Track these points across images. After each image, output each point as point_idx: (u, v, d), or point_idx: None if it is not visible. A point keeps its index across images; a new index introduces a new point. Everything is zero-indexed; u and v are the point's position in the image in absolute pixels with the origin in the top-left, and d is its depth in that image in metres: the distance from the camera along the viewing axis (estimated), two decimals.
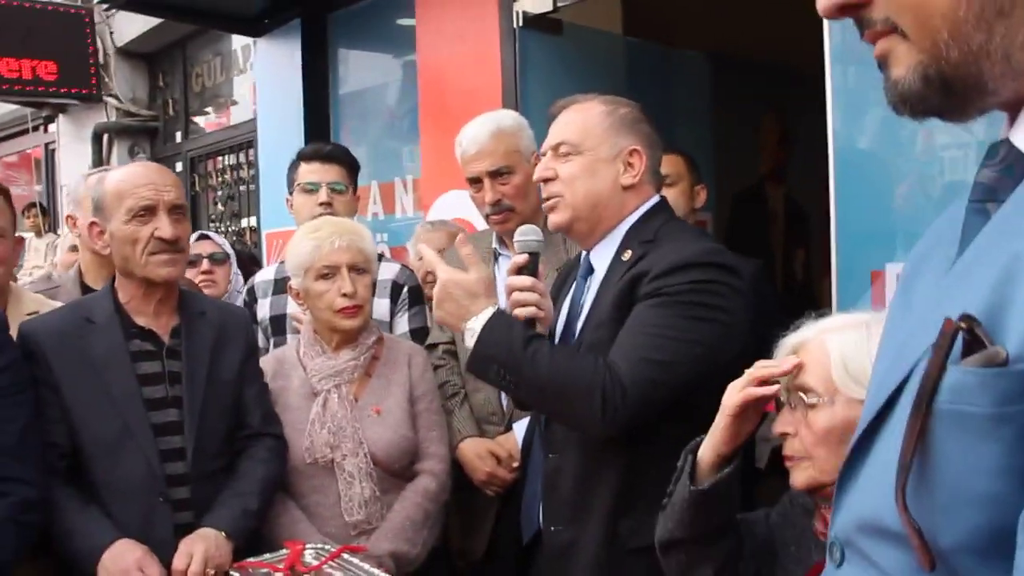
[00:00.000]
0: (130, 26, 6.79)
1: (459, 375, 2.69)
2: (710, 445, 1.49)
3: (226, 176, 6.56)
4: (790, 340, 1.52)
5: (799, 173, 4.94)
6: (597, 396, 1.71)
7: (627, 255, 1.90)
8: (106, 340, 2.15)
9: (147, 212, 2.14)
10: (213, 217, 6.75)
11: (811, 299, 4.01)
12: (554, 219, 1.96)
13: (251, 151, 6.04)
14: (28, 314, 2.34)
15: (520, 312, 1.87)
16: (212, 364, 2.22)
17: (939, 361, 0.67)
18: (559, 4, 3.45)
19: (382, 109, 4.69)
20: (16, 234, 2.39)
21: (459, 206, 3.67)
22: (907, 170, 2.40)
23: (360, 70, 4.84)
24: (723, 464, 1.49)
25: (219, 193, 6.65)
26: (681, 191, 3.07)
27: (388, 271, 2.93)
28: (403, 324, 2.87)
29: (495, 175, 2.56)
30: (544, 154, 2.01)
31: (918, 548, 0.68)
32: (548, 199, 1.97)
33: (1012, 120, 0.76)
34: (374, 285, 2.82)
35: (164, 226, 2.14)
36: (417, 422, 2.39)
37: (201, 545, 2.00)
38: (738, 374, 1.47)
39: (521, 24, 3.59)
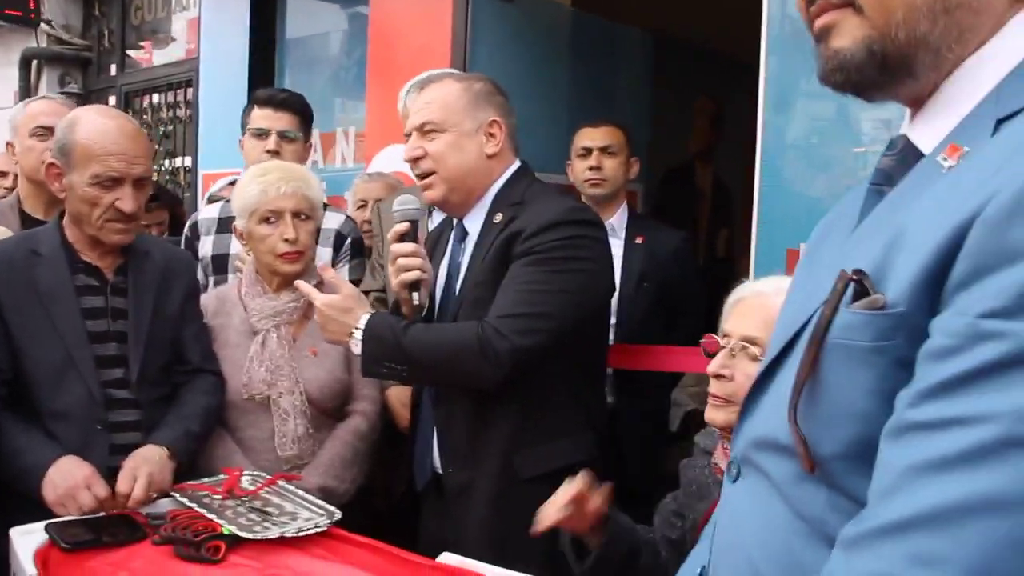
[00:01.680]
0: None
1: None
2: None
3: (162, 113, 6.46)
4: (746, 289, 1.67)
5: (727, 156, 5.13)
6: (478, 351, 1.92)
7: (498, 217, 2.09)
8: (52, 273, 2.18)
9: (113, 182, 2.14)
10: None
11: (731, 273, 4.21)
12: (430, 195, 2.14)
13: (189, 90, 5.96)
14: None
15: (406, 276, 2.06)
16: (156, 301, 2.28)
17: (833, 303, 0.82)
18: None
19: (328, 58, 4.71)
20: None
21: (399, 160, 3.73)
22: (828, 159, 2.57)
23: (309, 16, 4.83)
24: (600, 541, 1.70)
25: (154, 130, 6.55)
26: (620, 162, 3.21)
27: (333, 220, 3.00)
28: (344, 274, 2.95)
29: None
30: (409, 135, 2.15)
31: (802, 455, 0.83)
32: (421, 176, 2.13)
33: (913, 116, 0.91)
34: (318, 232, 2.90)
35: (126, 199, 2.15)
36: (351, 365, 2.48)
37: (145, 468, 2.07)
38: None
39: None
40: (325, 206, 3.10)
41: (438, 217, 2.57)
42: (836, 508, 0.81)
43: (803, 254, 1.08)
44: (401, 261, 2.07)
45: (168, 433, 2.20)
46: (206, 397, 2.33)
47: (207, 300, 2.57)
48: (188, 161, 6.01)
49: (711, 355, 1.60)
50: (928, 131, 0.86)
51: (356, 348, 2.01)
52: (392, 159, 3.80)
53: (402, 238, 2.08)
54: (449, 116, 2.10)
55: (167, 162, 6.40)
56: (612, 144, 3.20)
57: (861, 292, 0.79)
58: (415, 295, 2.09)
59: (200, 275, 2.99)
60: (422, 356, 1.97)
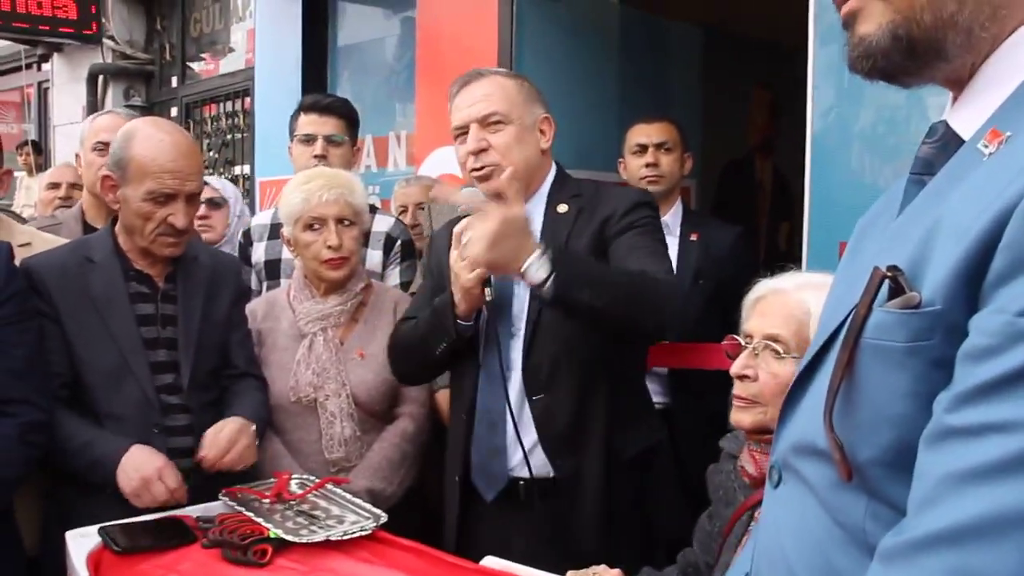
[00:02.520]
0: None
1: None
2: None
3: (221, 123, 6.60)
4: (765, 286, 1.62)
5: (787, 147, 5.04)
6: (666, 297, 1.92)
7: (563, 208, 2.13)
8: (106, 279, 2.23)
9: (166, 199, 2.17)
10: (207, 163, 6.79)
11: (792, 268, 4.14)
12: (491, 186, 2.04)
13: (247, 99, 6.07)
14: (20, 245, 2.41)
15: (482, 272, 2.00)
16: (205, 307, 2.31)
17: (867, 303, 0.78)
18: None
19: (379, 63, 4.74)
20: (5, 167, 2.44)
21: (449, 162, 3.75)
22: (880, 148, 2.50)
23: (359, 23, 4.88)
24: None
25: (213, 139, 6.69)
26: (675, 158, 3.17)
27: (383, 224, 3.02)
28: (394, 276, 2.97)
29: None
30: (463, 128, 2.11)
31: (839, 461, 0.79)
32: (483, 168, 2.08)
33: (954, 101, 0.86)
34: (367, 236, 2.92)
35: (179, 215, 2.18)
36: None
37: (231, 425, 2.18)
38: None
39: None
40: (375, 209, 3.13)
41: None
42: (876, 517, 0.77)
43: (847, 248, 1.04)
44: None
45: (243, 408, 2.27)
46: (260, 393, 2.38)
47: (257, 304, 2.61)
48: (248, 169, 6.13)
49: (733, 357, 1.56)
50: (968, 116, 0.81)
51: (539, 271, 1.76)
52: (440, 162, 3.81)
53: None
54: (512, 109, 2.09)
55: (225, 170, 6.54)
56: (668, 140, 3.16)
57: (896, 290, 0.75)
58: (487, 290, 2.03)
59: (254, 280, 3.05)
60: (617, 284, 1.87)
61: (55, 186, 3.97)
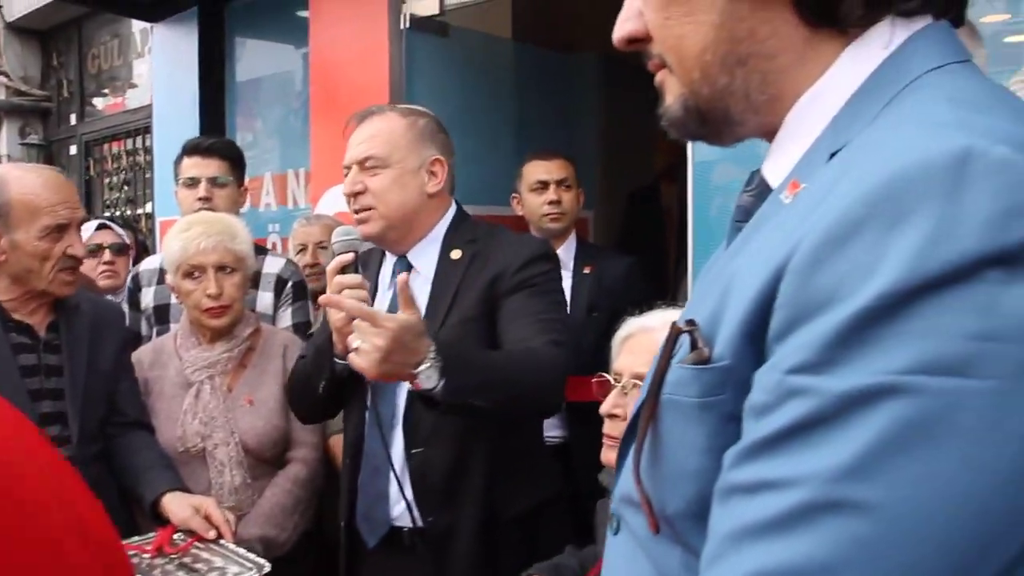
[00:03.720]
0: (21, 1, 6.62)
1: None
2: None
3: (122, 161, 6.47)
4: (634, 324, 1.66)
5: None
6: (552, 379, 1.91)
7: (456, 254, 2.07)
8: None
9: (62, 230, 2.15)
10: (108, 203, 6.64)
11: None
12: (367, 230, 2.05)
13: (148, 136, 5.97)
14: None
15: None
16: (90, 356, 2.27)
17: (666, 357, 0.80)
18: (446, 8, 3.55)
19: (277, 100, 4.71)
20: None
21: (342, 201, 3.73)
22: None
23: (256, 60, 4.85)
24: None
25: (115, 179, 6.55)
26: (574, 195, 3.24)
27: (273, 265, 2.99)
28: (286, 318, 2.94)
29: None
30: (349, 167, 2.09)
31: (647, 514, 0.81)
32: (359, 211, 2.06)
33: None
34: (257, 278, 2.90)
35: (76, 244, 2.17)
36: (289, 412, 2.46)
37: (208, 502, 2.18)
38: None
39: (408, 26, 3.68)
40: (265, 251, 3.11)
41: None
42: (688, 567, 0.79)
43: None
44: (348, 293, 1.90)
45: (166, 476, 2.24)
46: (158, 448, 2.34)
47: (144, 352, 2.56)
48: (150, 207, 6.01)
49: (603, 396, 1.59)
50: (776, 166, 0.84)
51: (429, 379, 1.72)
52: (336, 199, 3.79)
53: (344, 269, 1.94)
54: (393, 152, 2.04)
55: (127, 209, 6.40)
56: (567, 177, 3.22)
57: (694, 344, 0.76)
58: None
59: (144, 326, 2.99)
60: (512, 367, 1.86)
61: None
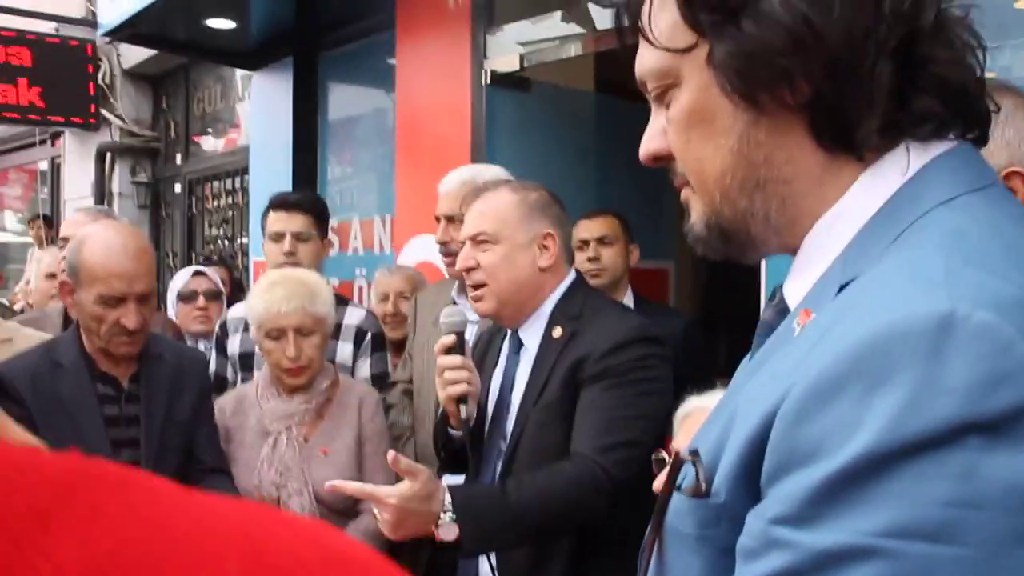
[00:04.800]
0: (137, 50, 7.00)
1: (410, 415, 2.86)
2: None
3: (221, 200, 6.75)
4: (692, 403, 1.66)
5: None
6: (593, 491, 1.83)
7: (557, 332, 2.02)
8: (73, 383, 2.28)
9: (116, 301, 2.22)
10: (208, 239, 6.93)
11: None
12: (481, 307, 2.07)
13: (246, 176, 6.22)
14: (1, 341, 2.50)
15: (453, 390, 1.98)
16: (168, 407, 2.36)
17: (668, 486, 0.82)
18: (526, 64, 3.62)
19: (366, 146, 4.86)
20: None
21: (427, 250, 3.82)
22: None
23: (347, 107, 5.02)
24: None
25: (215, 216, 6.84)
26: (618, 251, 3.25)
27: (354, 316, 3.07)
28: (365, 369, 3.01)
29: (450, 219, 2.66)
30: (463, 243, 2.11)
31: None
32: (473, 287, 2.08)
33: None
34: (338, 328, 2.98)
35: (129, 316, 2.22)
36: (364, 463, 2.53)
37: None
38: None
39: (489, 82, 3.77)
40: (347, 301, 3.20)
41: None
42: None
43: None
44: (448, 374, 1.97)
45: None
46: (235, 493, 2.41)
47: (227, 400, 2.66)
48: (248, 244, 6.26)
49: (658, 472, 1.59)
50: (795, 287, 0.84)
51: (449, 532, 1.76)
52: (419, 249, 3.88)
53: (448, 351, 2.00)
54: (502, 228, 2.05)
55: (227, 243, 6.67)
56: (608, 234, 3.24)
57: (697, 474, 0.77)
58: (463, 408, 2.00)
59: (229, 371, 3.11)
60: (536, 515, 1.83)
61: (53, 276, 4.07)
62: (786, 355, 0.74)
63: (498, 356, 2.20)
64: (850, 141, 0.78)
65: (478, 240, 2.07)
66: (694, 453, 0.79)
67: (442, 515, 1.74)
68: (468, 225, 2.10)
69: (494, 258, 2.04)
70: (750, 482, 0.70)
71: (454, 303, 2.81)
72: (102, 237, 2.30)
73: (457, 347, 1.99)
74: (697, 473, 0.77)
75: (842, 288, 0.74)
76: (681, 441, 1.58)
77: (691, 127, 0.84)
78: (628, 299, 3.25)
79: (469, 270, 2.07)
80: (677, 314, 3.36)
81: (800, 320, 0.78)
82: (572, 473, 1.85)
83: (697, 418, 1.58)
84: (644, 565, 0.84)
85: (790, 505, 0.63)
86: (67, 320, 3.11)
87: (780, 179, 0.81)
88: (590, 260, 3.21)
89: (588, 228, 3.26)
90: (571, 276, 2.14)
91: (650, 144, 0.90)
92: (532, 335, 2.09)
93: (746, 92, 0.77)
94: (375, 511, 1.79)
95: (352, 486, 1.87)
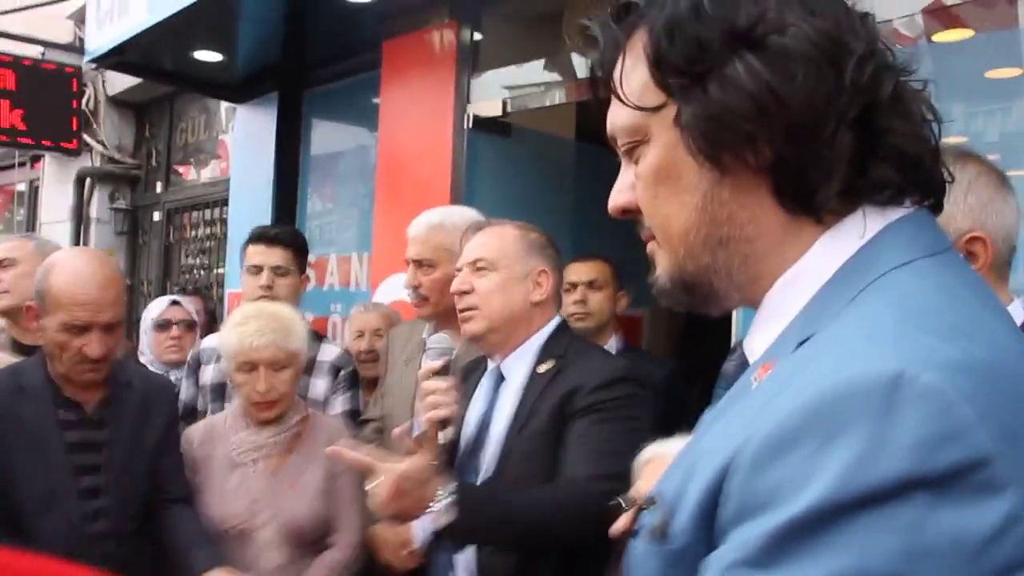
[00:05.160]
0: (122, 77, 7.01)
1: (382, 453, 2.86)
2: None
3: (200, 230, 6.74)
4: (652, 449, 1.69)
5: None
6: (581, 514, 1.85)
7: (542, 368, 2.09)
8: (36, 408, 2.29)
9: (79, 330, 2.22)
10: (184, 268, 6.91)
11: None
12: (469, 328, 2.13)
13: (226, 208, 6.22)
14: None
15: (436, 414, 2.00)
16: (134, 434, 2.36)
17: (627, 530, 0.85)
18: (509, 109, 3.69)
19: (347, 183, 4.89)
20: None
21: (399, 289, 3.81)
22: None
23: (330, 144, 5.06)
24: None
25: (192, 246, 6.83)
26: (607, 296, 3.28)
27: (329, 353, 3.08)
28: (338, 405, 3.01)
29: (418, 263, 2.69)
30: (460, 269, 2.18)
31: None
32: (464, 310, 2.14)
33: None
34: (312, 364, 2.99)
35: (93, 345, 2.23)
36: (333, 496, 2.52)
37: None
38: None
39: (471, 126, 3.82)
40: (321, 337, 3.21)
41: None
42: None
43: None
44: (432, 398, 2.01)
45: (210, 552, 2.32)
46: (198, 523, 2.42)
47: (195, 431, 2.65)
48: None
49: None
50: (755, 343, 0.87)
51: (441, 519, 1.81)
52: (393, 288, 3.90)
53: (435, 374, 2.05)
54: (502, 258, 2.13)
55: (203, 273, 6.65)
56: (598, 278, 3.28)
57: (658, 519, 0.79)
58: (441, 433, 2.03)
59: (200, 402, 3.10)
60: (528, 521, 1.88)
61: None
62: (743, 408, 0.77)
63: (473, 391, 2.23)
64: (810, 203, 0.80)
65: (477, 267, 2.14)
66: (651, 500, 0.81)
67: (439, 499, 1.79)
68: (468, 252, 2.17)
69: (490, 284, 2.12)
70: (708, 528, 0.73)
71: (425, 345, 2.83)
72: (70, 264, 2.29)
73: (444, 371, 2.03)
74: (658, 518, 0.79)
75: (800, 344, 0.77)
76: (643, 487, 1.61)
77: (658, 183, 0.86)
78: (613, 344, 3.28)
79: (463, 293, 2.13)
80: (661, 361, 3.40)
81: (758, 375, 0.80)
82: (567, 493, 1.90)
83: (657, 465, 1.60)
84: None
85: (746, 551, 0.66)
86: (17, 346, 3.05)
87: (743, 238, 0.83)
88: (576, 303, 3.24)
89: (578, 271, 3.29)
90: (557, 319, 2.21)
91: (619, 198, 0.92)
92: (517, 369, 2.13)
93: (711, 153, 0.80)
94: (368, 488, 1.82)
95: (353, 455, 1.90)
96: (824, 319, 0.77)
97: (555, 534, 1.91)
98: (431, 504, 1.80)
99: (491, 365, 2.22)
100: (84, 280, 2.25)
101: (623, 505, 1.62)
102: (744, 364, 0.89)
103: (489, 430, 2.12)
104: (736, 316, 2.91)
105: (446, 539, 1.89)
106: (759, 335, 0.87)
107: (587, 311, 3.25)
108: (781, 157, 0.79)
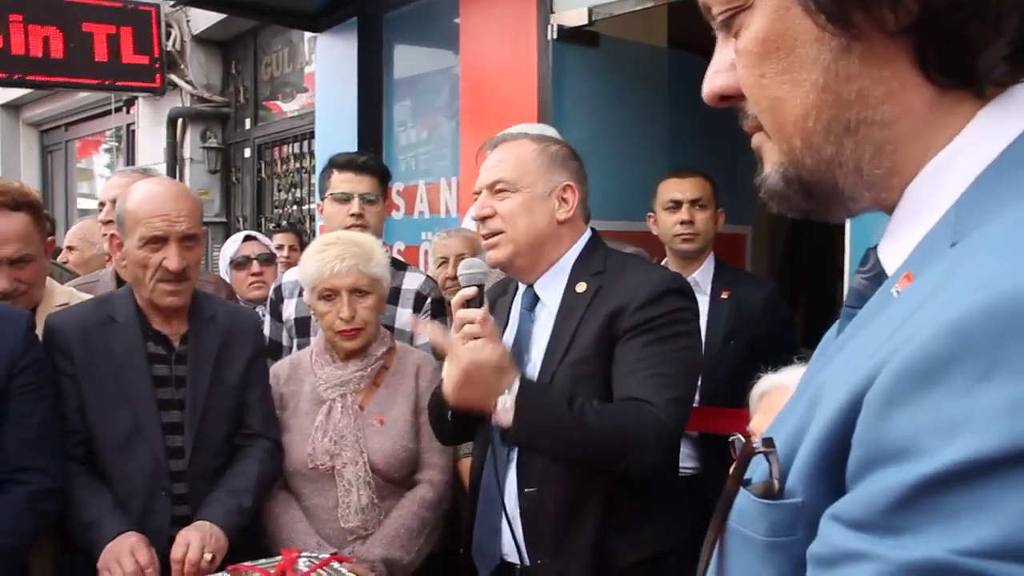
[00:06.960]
0: (205, 15, 6.99)
1: None
2: None
3: (290, 164, 6.74)
4: (768, 382, 1.52)
5: None
6: (651, 443, 1.79)
7: (581, 287, 1.99)
8: (126, 340, 2.27)
9: (158, 241, 2.21)
10: (276, 204, 6.94)
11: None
12: (495, 255, 2.03)
13: (313, 141, 6.18)
14: (58, 306, 2.46)
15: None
16: (216, 369, 2.32)
17: (735, 481, 0.69)
18: (595, 18, 3.45)
19: (431, 109, 4.75)
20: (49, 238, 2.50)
21: None
22: None
23: (412, 68, 4.90)
24: None
25: (283, 180, 6.84)
26: (710, 215, 3.06)
27: (413, 281, 2.99)
28: (424, 335, 2.94)
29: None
30: (479, 192, 2.07)
31: None
32: (488, 236, 2.03)
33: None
34: (397, 293, 2.90)
35: (172, 257, 2.21)
36: (420, 432, 2.45)
37: (196, 534, 2.13)
38: None
39: (556, 37, 3.60)
40: (405, 266, 3.11)
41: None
42: None
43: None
44: (468, 328, 1.88)
45: (219, 509, 2.23)
46: (260, 467, 2.34)
47: (281, 367, 2.60)
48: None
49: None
50: (893, 249, 0.70)
51: (505, 415, 1.75)
52: None
53: (468, 303, 1.91)
54: (522, 176, 2.01)
55: (296, 208, 6.67)
56: (702, 196, 3.04)
57: (772, 467, 0.65)
58: None
59: (284, 337, 3.05)
60: (588, 435, 1.78)
61: (71, 249, 4.05)
62: (881, 326, 0.61)
63: (507, 316, 2.14)
64: (969, 72, 0.63)
65: (496, 189, 2.03)
66: (768, 443, 0.66)
67: (506, 393, 1.74)
68: (486, 174, 2.06)
69: (512, 206, 2.00)
70: (832, 477, 0.58)
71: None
72: (143, 185, 2.34)
73: (477, 299, 1.91)
74: (770, 468, 0.64)
75: (954, 246, 0.61)
76: (759, 423, 1.44)
77: (765, 59, 0.69)
78: (708, 266, 3.08)
79: (485, 218, 2.03)
80: (761, 281, 3.18)
81: (900, 285, 0.64)
82: (636, 413, 1.80)
83: (776, 397, 1.44)
84: (702, 568, 0.71)
85: (872, 510, 0.53)
86: (119, 284, 3.08)
87: (876, 121, 0.66)
88: (683, 223, 3.03)
89: (680, 188, 3.07)
90: (588, 233, 2.10)
91: (715, 81, 0.76)
92: (552, 291, 2.04)
93: (837, 12, 0.63)
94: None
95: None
96: (985, 214, 0.60)
97: (618, 456, 1.81)
98: (499, 398, 1.75)
99: (522, 287, 2.12)
100: (157, 194, 2.27)
101: (737, 445, 1.46)
102: (878, 276, 0.72)
103: (528, 357, 2.03)
104: (848, 228, 2.66)
105: (507, 437, 1.81)
106: (897, 239, 0.69)
107: (694, 231, 3.02)
108: (930, 11, 0.61)
